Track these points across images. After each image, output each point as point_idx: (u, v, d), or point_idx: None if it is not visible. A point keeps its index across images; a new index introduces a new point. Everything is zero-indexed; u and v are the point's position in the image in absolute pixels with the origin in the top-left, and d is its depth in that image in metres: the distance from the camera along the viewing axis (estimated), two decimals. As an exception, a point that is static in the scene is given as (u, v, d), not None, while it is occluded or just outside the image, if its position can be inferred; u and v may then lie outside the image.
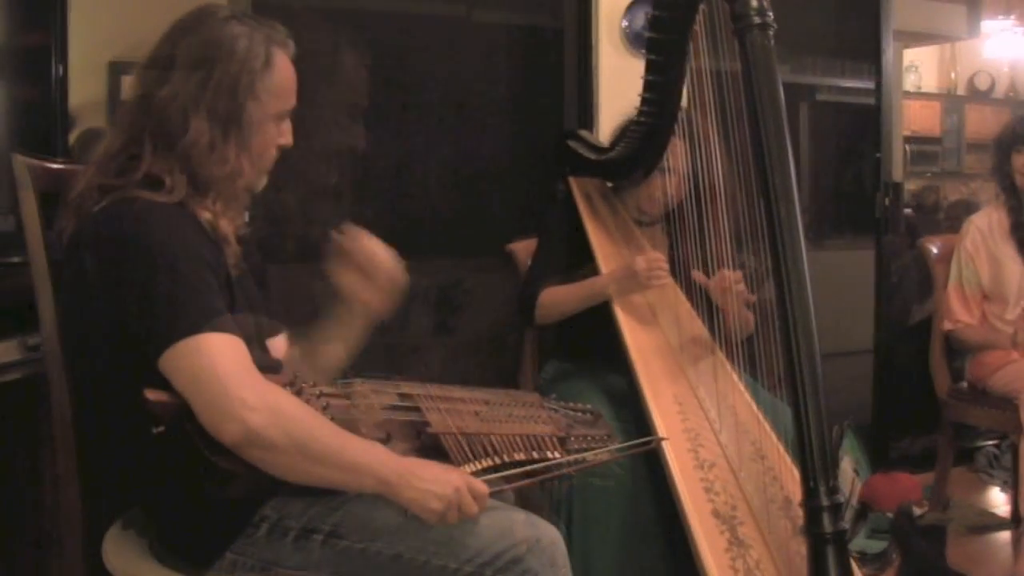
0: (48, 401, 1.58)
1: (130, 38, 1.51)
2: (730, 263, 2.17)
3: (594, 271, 2.39)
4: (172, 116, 1.44)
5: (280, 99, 1.53)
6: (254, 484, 1.34)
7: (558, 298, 2.40)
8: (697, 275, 2.27)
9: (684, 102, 2.18)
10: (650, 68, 2.11)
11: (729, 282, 2.21)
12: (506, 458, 1.54)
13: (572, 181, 2.63)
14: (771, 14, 1.61)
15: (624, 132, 2.37)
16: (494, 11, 3.57)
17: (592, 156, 2.54)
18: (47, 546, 2.13)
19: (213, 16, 1.49)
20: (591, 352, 2.44)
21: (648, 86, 2.14)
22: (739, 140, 1.86)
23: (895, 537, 2.74)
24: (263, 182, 1.61)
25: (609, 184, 2.62)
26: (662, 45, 2.04)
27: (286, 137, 1.59)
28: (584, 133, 2.71)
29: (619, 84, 3.11)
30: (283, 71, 1.52)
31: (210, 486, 1.35)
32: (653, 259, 2.26)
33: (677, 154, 2.29)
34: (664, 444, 2.01)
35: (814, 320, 1.57)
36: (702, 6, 1.92)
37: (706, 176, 2.13)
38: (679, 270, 2.33)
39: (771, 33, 1.60)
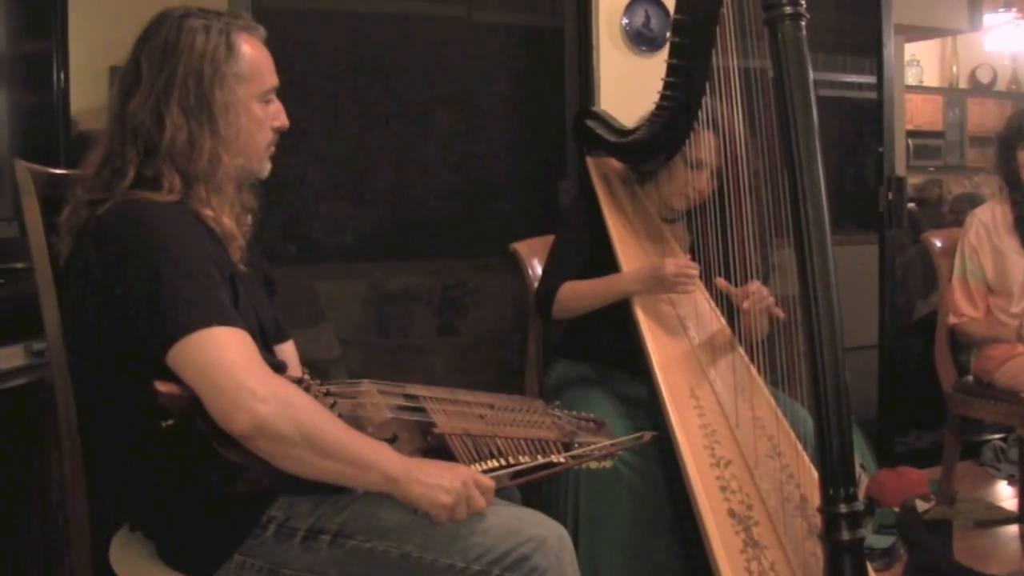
0: (54, 406, 1.58)
1: (131, 44, 1.52)
2: (755, 262, 2.12)
3: (615, 267, 2.29)
4: (147, 119, 1.46)
5: (253, 82, 1.53)
6: (262, 479, 1.35)
7: (579, 293, 2.30)
8: (721, 282, 2.21)
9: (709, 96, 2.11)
10: (674, 51, 2.05)
11: (757, 298, 2.16)
12: (511, 460, 1.54)
13: (590, 162, 2.54)
14: (803, 3, 1.52)
15: (647, 118, 2.28)
16: (494, 11, 3.58)
17: (611, 138, 2.45)
18: (55, 551, 2.13)
19: (169, 17, 1.51)
20: (599, 352, 2.41)
21: (671, 70, 2.08)
22: (766, 136, 1.83)
23: (902, 532, 2.73)
24: (265, 167, 1.62)
25: (633, 174, 2.54)
26: (688, 27, 1.98)
27: (280, 119, 1.60)
28: (602, 111, 2.61)
29: (619, 82, 3.10)
30: (249, 54, 1.53)
31: (218, 481, 1.35)
32: (683, 264, 2.18)
33: (708, 148, 2.23)
34: (680, 442, 1.98)
35: (840, 323, 1.50)
36: None
37: (733, 172, 2.08)
38: (702, 265, 2.24)
39: (803, 24, 1.52)
